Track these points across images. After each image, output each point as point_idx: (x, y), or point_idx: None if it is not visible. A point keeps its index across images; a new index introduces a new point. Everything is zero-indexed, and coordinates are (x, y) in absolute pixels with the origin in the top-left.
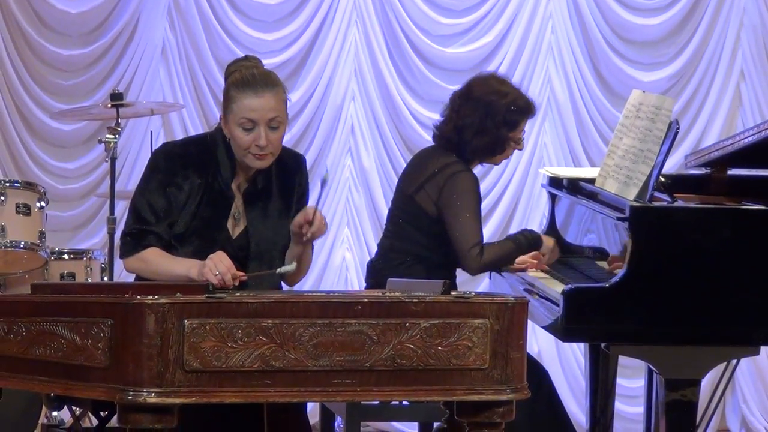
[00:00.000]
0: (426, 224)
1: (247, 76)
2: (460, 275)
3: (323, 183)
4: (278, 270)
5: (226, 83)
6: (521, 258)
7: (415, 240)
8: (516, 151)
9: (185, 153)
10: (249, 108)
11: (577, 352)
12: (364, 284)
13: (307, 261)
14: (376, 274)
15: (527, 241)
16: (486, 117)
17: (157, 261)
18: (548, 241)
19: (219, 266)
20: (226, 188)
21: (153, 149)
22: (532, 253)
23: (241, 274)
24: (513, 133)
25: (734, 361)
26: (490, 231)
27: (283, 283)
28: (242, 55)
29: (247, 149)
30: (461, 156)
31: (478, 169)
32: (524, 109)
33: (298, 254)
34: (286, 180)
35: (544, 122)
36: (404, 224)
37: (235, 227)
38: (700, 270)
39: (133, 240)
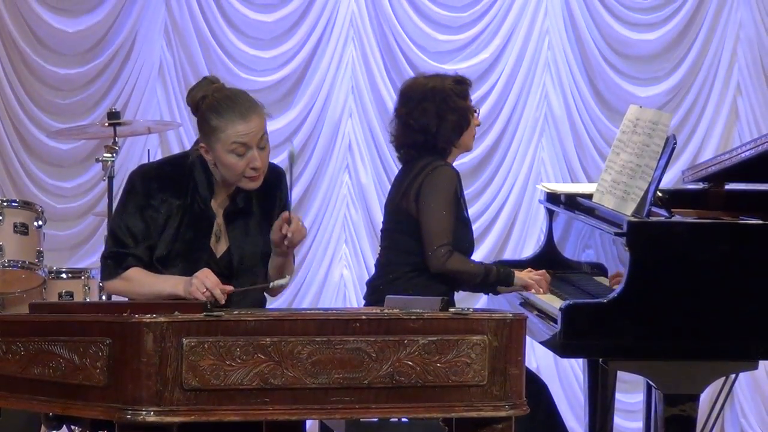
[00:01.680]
0: (414, 228)
1: (224, 100)
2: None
3: (290, 159)
4: (271, 284)
5: (200, 111)
6: (531, 281)
7: (410, 249)
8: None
9: (161, 174)
10: (240, 134)
11: (575, 368)
12: (363, 302)
13: (290, 271)
14: (375, 291)
15: (497, 275)
16: (437, 102)
17: (141, 280)
18: (523, 277)
19: (206, 282)
20: (206, 207)
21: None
22: (537, 277)
23: (229, 288)
24: (467, 101)
25: (733, 376)
26: (488, 247)
27: (266, 296)
28: (239, 73)
29: (241, 174)
30: (435, 153)
31: (473, 188)
32: (462, 79)
33: (280, 264)
34: (267, 195)
35: (542, 138)
36: (396, 235)
37: (218, 246)
38: (698, 285)
39: (114, 262)
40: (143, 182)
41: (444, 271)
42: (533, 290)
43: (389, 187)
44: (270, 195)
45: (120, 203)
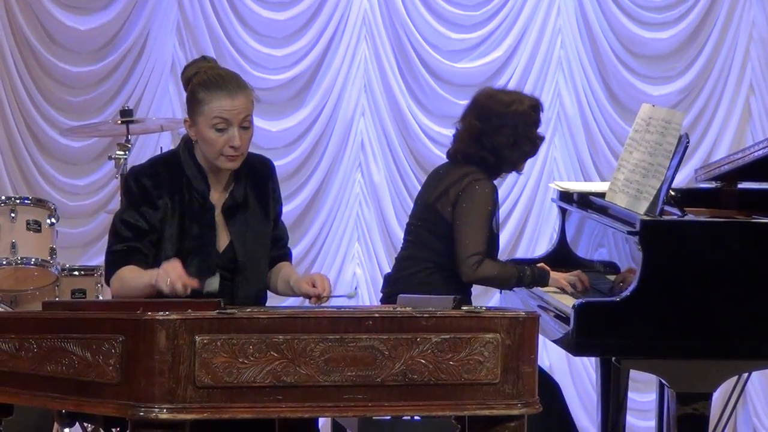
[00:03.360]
0: (443, 231)
1: (214, 76)
2: (476, 287)
3: (348, 297)
4: (205, 290)
5: (191, 85)
6: (565, 282)
7: (434, 248)
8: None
9: (154, 173)
10: (222, 108)
11: (588, 366)
12: (376, 299)
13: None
14: (393, 284)
15: (532, 276)
16: (517, 127)
17: (129, 276)
18: (558, 278)
19: (170, 273)
20: (205, 201)
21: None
22: (572, 278)
23: (193, 281)
24: (539, 129)
25: (745, 375)
26: (500, 245)
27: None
28: (251, 71)
29: (219, 151)
30: (492, 171)
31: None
32: (539, 105)
33: (287, 294)
34: (260, 187)
35: (554, 137)
36: (423, 232)
37: (219, 241)
38: (711, 284)
39: (114, 260)
40: (137, 182)
41: (475, 280)
42: (568, 291)
43: (402, 185)
44: (263, 186)
45: (121, 206)
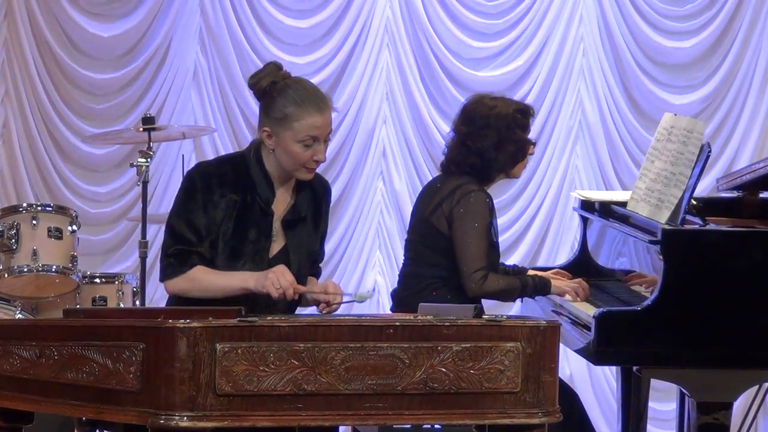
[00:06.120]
0: (444, 245)
1: (301, 90)
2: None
3: (360, 300)
4: (356, 296)
5: (270, 95)
6: (567, 288)
7: (436, 263)
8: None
9: (220, 172)
10: (314, 126)
11: (609, 375)
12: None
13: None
14: (401, 303)
15: (534, 286)
16: (500, 128)
17: (208, 278)
18: (560, 285)
19: (281, 280)
20: (267, 207)
21: (185, 172)
22: (574, 284)
23: (303, 287)
24: (526, 133)
25: (766, 384)
26: (521, 253)
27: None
28: None
29: (303, 164)
30: (482, 177)
31: (506, 195)
32: (526, 109)
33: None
34: (316, 206)
35: (576, 145)
36: (423, 249)
37: (272, 247)
38: (732, 293)
39: (178, 261)
40: (203, 179)
41: (481, 295)
42: (569, 297)
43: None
44: (318, 205)
45: (179, 202)
